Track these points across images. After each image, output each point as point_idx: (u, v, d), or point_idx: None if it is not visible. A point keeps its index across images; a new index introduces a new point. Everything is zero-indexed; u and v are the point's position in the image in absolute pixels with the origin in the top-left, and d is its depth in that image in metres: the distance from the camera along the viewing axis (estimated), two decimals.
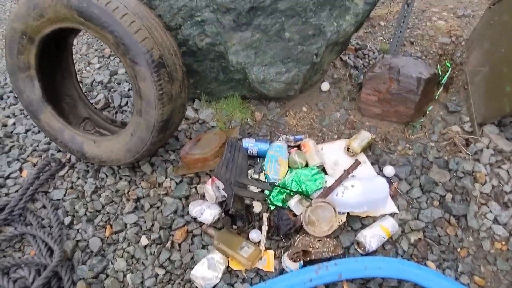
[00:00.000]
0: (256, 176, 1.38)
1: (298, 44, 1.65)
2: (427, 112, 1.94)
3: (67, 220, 1.54)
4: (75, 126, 1.71)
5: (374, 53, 2.31)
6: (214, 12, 1.54)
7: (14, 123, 2.07)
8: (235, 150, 1.55)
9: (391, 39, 2.14)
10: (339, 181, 1.39)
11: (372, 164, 1.72)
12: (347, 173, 1.40)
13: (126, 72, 1.96)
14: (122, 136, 1.48)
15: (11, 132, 2.01)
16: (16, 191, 1.68)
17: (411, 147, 1.79)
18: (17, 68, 1.47)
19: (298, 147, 1.75)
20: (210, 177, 1.60)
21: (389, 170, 1.65)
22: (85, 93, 2.23)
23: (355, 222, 1.47)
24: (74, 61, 2.05)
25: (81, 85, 2.29)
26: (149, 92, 1.31)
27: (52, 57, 1.57)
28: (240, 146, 1.61)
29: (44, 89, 1.53)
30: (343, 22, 1.64)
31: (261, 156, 1.69)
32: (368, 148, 1.76)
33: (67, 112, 1.75)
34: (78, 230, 1.52)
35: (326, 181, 1.45)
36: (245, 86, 1.85)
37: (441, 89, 2.01)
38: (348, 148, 1.70)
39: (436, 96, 1.99)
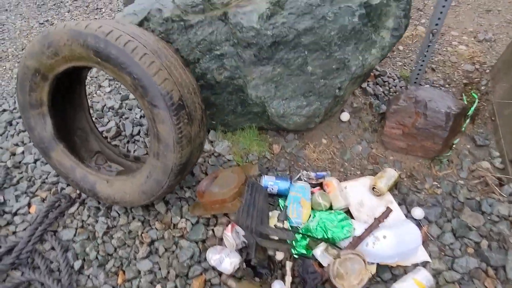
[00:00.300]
0: (280, 225, 1.29)
1: (321, 78, 1.58)
2: (454, 145, 1.85)
3: (77, 264, 1.45)
4: (87, 161, 1.65)
5: (394, 80, 2.23)
6: (234, 46, 1.47)
7: (22, 152, 2.00)
8: (255, 191, 1.46)
9: (413, 68, 2.06)
10: (369, 230, 1.29)
11: (399, 204, 1.62)
12: (377, 221, 1.31)
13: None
14: (137, 177, 1.40)
15: (20, 162, 1.94)
16: (24, 229, 1.61)
17: (439, 185, 1.70)
18: (29, 105, 1.40)
19: (320, 185, 1.66)
20: (230, 221, 1.52)
21: (418, 212, 1.55)
22: (96, 119, 2.18)
23: (385, 272, 1.37)
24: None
25: (92, 111, 2.24)
26: (167, 136, 1.23)
27: (65, 93, 1.51)
28: (260, 187, 1.52)
29: (56, 126, 1.46)
30: (369, 56, 1.56)
31: (282, 194, 1.61)
32: (393, 186, 1.67)
33: (79, 146, 1.68)
34: (88, 276, 1.43)
35: (354, 229, 1.36)
36: (263, 119, 1.77)
37: (468, 120, 1.91)
38: (373, 188, 1.61)
39: (463, 128, 1.90)
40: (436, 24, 1.78)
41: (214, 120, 1.85)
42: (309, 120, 1.71)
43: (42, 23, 3.43)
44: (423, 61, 1.97)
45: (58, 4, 3.76)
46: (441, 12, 1.72)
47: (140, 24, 1.43)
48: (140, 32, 1.25)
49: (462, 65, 2.26)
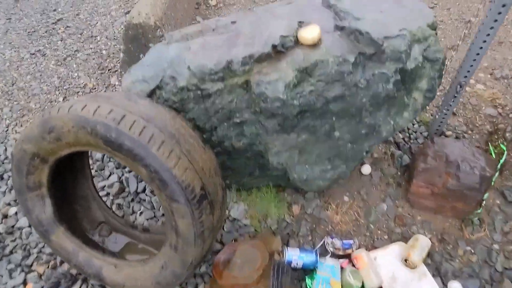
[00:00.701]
0: None
1: (348, 143, 1.45)
2: (483, 201, 1.74)
3: None
4: (89, 233, 1.49)
5: (413, 124, 2.12)
6: (256, 114, 1.33)
7: (16, 213, 1.82)
8: (282, 274, 1.32)
9: (436, 115, 1.95)
10: None
11: (433, 275, 1.49)
12: None
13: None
14: (149, 265, 1.25)
15: (13, 226, 1.76)
16: None
17: (473, 251, 1.58)
18: (26, 188, 1.24)
19: (348, 256, 1.52)
20: None
21: (456, 287, 1.42)
22: (97, 171, 2.02)
23: None
24: None
25: (91, 161, 2.07)
26: (188, 230, 1.08)
27: (67, 170, 1.34)
28: (287, 268, 1.38)
29: (56, 206, 1.30)
30: (400, 119, 1.44)
31: (306, 268, 1.47)
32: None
33: (81, 216, 1.51)
34: None
35: None
36: (283, 180, 1.64)
37: (497, 174, 1.81)
38: (406, 260, 1.48)
39: (492, 182, 1.79)
40: (465, 77, 1.67)
41: (228, 181, 1.70)
42: (333, 183, 1.58)
43: (33, 54, 3.24)
44: (448, 110, 1.86)
45: (50, 31, 3.57)
46: (471, 66, 1.61)
47: (152, 92, 1.28)
48: (156, 112, 1.11)
49: (484, 108, 2.17)
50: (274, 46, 1.27)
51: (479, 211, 1.71)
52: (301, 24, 1.37)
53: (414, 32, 1.32)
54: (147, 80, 1.29)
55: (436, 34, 1.41)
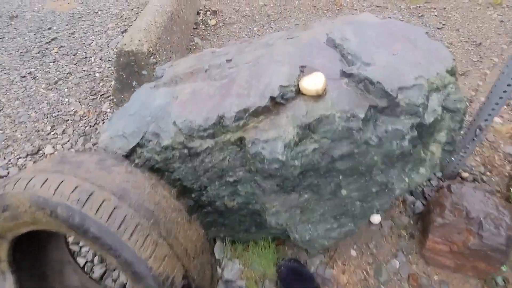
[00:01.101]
0: None
1: (357, 201, 1.27)
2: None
3: None
4: None
5: None
6: (251, 173, 1.16)
7: None
8: None
9: (452, 157, 1.77)
10: None
11: None
12: None
13: None
14: None
15: None
16: None
17: None
18: None
19: None
20: None
21: None
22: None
23: None
24: None
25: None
26: None
27: (34, 236, 1.17)
28: None
29: (19, 282, 1.13)
30: (416, 175, 1.27)
31: None
32: None
33: (52, 281, 1.33)
34: None
35: None
36: (283, 235, 1.46)
37: None
38: None
39: None
40: (486, 120, 1.50)
41: (222, 234, 1.53)
42: (338, 241, 1.40)
43: (24, 76, 3.10)
44: (465, 152, 1.69)
45: (43, 51, 3.44)
46: (493, 109, 1.44)
47: (132, 150, 1.12)
48: (132, 183, 0.94)
49: (502, 145, 1.99)
50: (272, 98, 1.11)
51: (503, 268, 1.53)
52: (303, 69, 1.20)
53: (432, 80, 1.16)
54: (127, 137, 1.13)
55: (456, 80, 1.24)
